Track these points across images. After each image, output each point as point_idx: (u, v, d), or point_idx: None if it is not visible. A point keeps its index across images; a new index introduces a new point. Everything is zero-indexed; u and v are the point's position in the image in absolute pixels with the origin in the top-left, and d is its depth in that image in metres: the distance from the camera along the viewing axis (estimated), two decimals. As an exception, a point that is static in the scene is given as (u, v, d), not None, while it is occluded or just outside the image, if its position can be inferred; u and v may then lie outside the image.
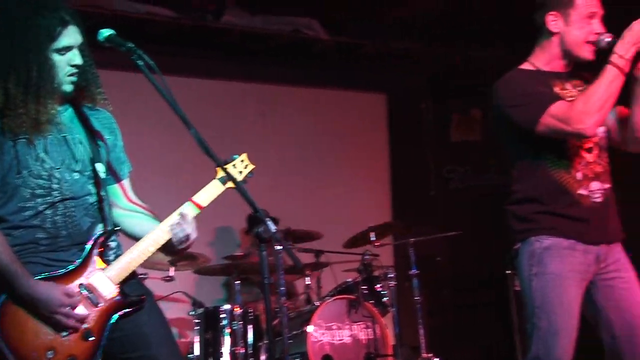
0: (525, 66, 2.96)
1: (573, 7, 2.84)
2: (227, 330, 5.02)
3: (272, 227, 2.45)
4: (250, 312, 5.30)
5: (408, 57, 6.97)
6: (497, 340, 6.76)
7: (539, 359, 2.79)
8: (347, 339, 5.09)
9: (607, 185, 2.90)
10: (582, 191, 2.84)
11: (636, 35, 2.69)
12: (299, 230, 5.62)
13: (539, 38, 2.96)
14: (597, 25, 2.84)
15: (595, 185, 2.86)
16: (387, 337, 5.16)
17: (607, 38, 2.79)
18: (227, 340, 4.99)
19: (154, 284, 5.43)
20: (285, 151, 6.74)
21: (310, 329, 4.98)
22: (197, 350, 5.16)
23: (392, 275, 5.49)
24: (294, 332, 5.12)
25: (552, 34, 2.90)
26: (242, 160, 2.73)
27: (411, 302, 5.65)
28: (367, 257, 5.54)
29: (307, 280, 5.64)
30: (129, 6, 5.85)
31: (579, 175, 2.84)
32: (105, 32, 2.43)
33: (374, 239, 5.60)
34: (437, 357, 5.40)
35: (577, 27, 2.84)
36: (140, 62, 2.31)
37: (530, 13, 3.00)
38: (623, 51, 2.69)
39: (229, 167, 2.64)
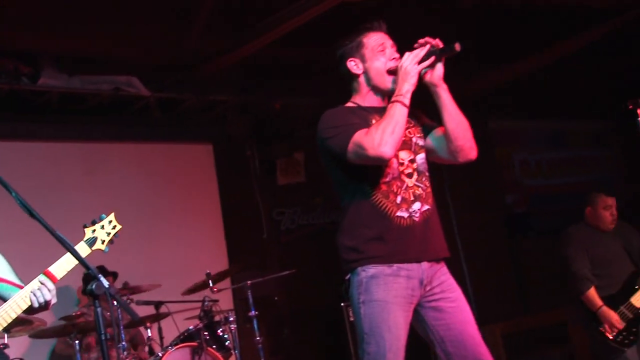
0: (348, 104, 3.17)
1: (364, 47, 3.09)
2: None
3: (105, 283, 2.45)
4: (92, 372, 5.15)
5: (229, 107, 7.10)
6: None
7: None
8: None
9: (427, 207, 3.04)
10: (401, 213, 2.97)
11: (405, 73, 2.95)
12: (136, 284, 5.53)
13: (351, 84, 3.18)
14: (390, 53, 3.08)
15: (416, 206, 3.01)
16: (232, 380, 5.19)
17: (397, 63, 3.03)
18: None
19: (-14, 355, 5.15)
20: (117, 207, 6.58)
21: (155, 380, 4.92)
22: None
23: (232, 319, 5.53)
24: (140, 386, 5.02)
25: (357, 76, 3.13)
26: (110, 221, 2.71)
27: (253, 343, 5.69)
28: (207, 303, 5.56)
29: (149, 332, 5.55)
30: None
31: (398, 199, 2.98)
32: None
33: (211, 285, 5.64)
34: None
35: (373, 61, 3.07)
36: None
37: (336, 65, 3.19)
38: (398, 90, 2.94)
39: (97, 227, 2.62)
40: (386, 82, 3.07)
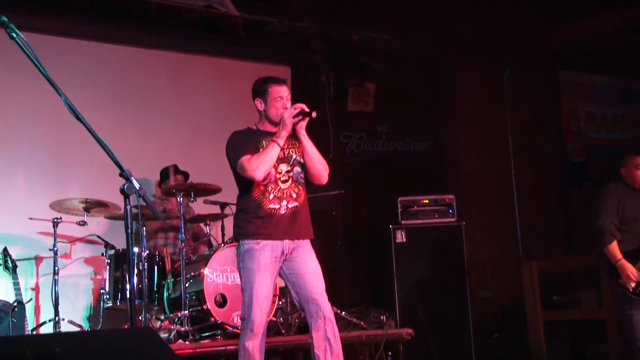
0: (251, 126, 4.15)
1: (267, 94, 4.05)
2: (135, 270, 5.16)
3: (136, 184, 2.63)
4: (156, 255, 5.47)
5: (311, 35, 7.10)
6: (382, 283, 7.08)
7: (244, 319, 3.91)
8: (239, 281, 5.27)
9: (297, 204, 4.01)
10: (273, 205, 3.96)
11: (284, 124, 3.90)
12: (201, 184, 5.70)
13: (258, 113, 4.13)
14: (283, 104, 4.02)
15: (284, 203, 3.98)
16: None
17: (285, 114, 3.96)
18: (134, 279, 5.13)
19: (70, 227, 5.55)
20: (196, 114, 6.83)
21: (206, 271, 5.19)
22: (107, 287, 5.36)
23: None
24: (193, 274, 5.31)
25: (260, 110, 4.11)
26: None
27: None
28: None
29: (207, 229, 5.82)
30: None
31: (271, 196, 3.97)
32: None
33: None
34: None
35: (271, 107, 4.05)
36: (14, 35, 2.39)
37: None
38: (278, 134, 3.92)
39: None
40: (277, 118, 4.01)
